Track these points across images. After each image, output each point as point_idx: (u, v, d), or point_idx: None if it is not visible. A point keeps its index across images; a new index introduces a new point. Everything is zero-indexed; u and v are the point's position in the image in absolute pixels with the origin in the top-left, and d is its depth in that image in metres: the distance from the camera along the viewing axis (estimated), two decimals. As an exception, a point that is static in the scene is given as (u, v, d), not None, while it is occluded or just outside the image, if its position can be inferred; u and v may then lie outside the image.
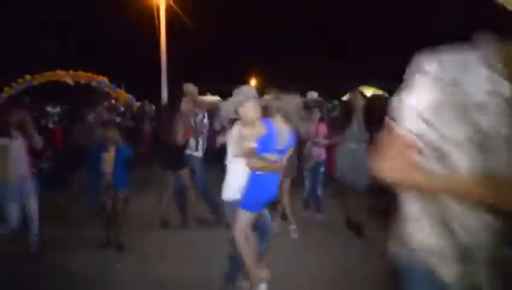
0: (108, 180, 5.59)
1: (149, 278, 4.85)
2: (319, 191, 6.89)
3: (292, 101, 4.15)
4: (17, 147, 5.16)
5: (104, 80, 21.95)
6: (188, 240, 6.02)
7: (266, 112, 4.16)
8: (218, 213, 6.33)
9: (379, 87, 17.64)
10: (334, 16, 33.84)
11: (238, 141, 3.99)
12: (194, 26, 20.98)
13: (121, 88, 22.80)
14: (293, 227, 6.26)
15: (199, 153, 6.58)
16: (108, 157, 5.60)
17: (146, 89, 21.43)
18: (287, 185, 6.31)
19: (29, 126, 5.26)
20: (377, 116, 6.49)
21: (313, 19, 35.78)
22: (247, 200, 4.04)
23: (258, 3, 32.73)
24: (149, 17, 19.86)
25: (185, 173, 6.46)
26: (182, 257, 5.41)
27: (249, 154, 3.93)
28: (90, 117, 7.77)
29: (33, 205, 5.29)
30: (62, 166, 8.33)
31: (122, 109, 12.94)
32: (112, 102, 16.08)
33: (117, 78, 23.09)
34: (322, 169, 6.79)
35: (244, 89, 4.16)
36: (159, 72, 20.05)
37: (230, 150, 4.13)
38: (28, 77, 19.50)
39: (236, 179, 4.08)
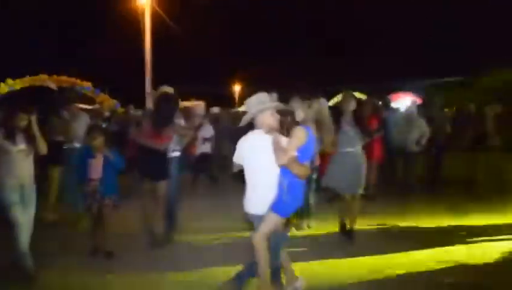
0: (94, 186, 5.47)
1: (138, 286, 4.77)
2: (311, 200, 6.54)
3: (323, 108, 4.10)
4: (21, 152, 4.85)
5: (89, 85, 21.69)
6: (176, 247, 5.95)
7: (287, 120, 4.09)
8: (171, 232, 6.17)
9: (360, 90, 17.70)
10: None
11: (275, 150, 3.88)
12: (180, 30, 20.90)
13: (105, 93, 22.53)
14: None
15: (174, 154, 6.24)
16: (95, 164, 5.48)
17: (130, 94, 21.25)
18: None
19: (35, 130, 4.95)
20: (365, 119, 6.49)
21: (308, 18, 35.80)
22: (283, 206, 3.97)
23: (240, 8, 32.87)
24: (134, 22, 19.74)
25: (164, 183, 6.00)
26: (171, 264, 5.33)
27: (292, 163, 3.86)
28: (65, 114, 7.59)
29: (31, 217, 4.96)
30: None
31: (107, 114, 12.76)
32: (96, 106, 15.85)
33: (101, 83, 22.83)
34: (315, 176, 6.43)
35: (260, 97, 4.09)
36: (144, 77, 19.89)
37: (252, 163, 4.03)
38: (9, 81, 19.14)
39: (264, 193, 3.98)
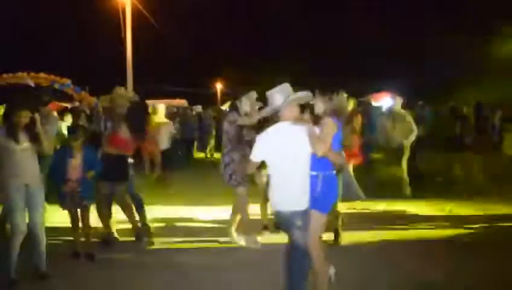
0: (73, 187, 5.34)
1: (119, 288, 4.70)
2: None
3: (343, 101, 4.06)
4: (24, 151, 4.57)
5: (68, 82, 21.32)
6: (159, 249, 5.87)
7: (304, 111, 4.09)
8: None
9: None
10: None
11: (313, 141, 3.78)
12: (161, 27, 20.72)
13: (85, 91, 22.22)
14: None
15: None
16: (74, 165, 5.35)
17: (111, 92, 20.98)
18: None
19: (38, 129, 4.66)
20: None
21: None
22: (323, 202, 3.92)
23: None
24: (114, 19, 19.51)
25: (123, 186, 6.02)
26: (152, 265, 5.25)
27: (330, 152, 3.84)
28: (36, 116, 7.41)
29: (38, 220, 4.71)
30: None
31: (87, 112, 12.54)
32: (76, 104, 15.60)
33: (81, 80, 22.50)
34: None
35: (285, 88, 4.02)
36: (125, 74, 19.68)
37: (283, 157, 3.87)
38: (-14, 78, 18.74)
39: (298, 187, 3.86)
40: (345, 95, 4.22)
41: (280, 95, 3.96)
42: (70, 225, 5.47)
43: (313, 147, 3.80)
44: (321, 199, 3.92)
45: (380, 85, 18.72)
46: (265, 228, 6.26)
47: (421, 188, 8.90)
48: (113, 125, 5.90)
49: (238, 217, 5.83)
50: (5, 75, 20.12)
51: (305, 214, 3.86)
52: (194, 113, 17.17)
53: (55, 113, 8.62)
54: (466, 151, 9.32)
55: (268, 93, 4.04)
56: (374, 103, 14.26)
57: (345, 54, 33.41)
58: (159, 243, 6.03)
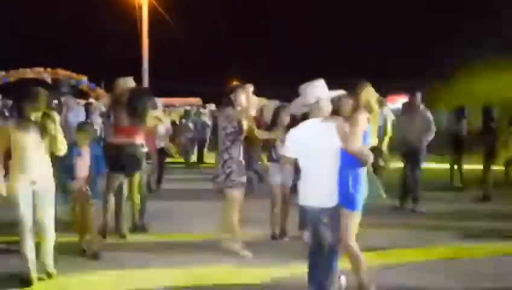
0: (80, 185, 5.26)
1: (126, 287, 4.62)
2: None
3: (371, 96, 3.96)
4: (34, 147, 4.38)
5: (84, 78, 21.55)
6: (163, 246, 5.77)
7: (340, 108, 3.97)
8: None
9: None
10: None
11: (343, 137, 3.71)
12: (177, 25, 20.74)
13: (100, 87, 22.39)
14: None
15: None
16: (82, 162, 5.28)
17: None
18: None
19: (51, 128, 4.41)
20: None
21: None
22: (353, 199, 3.79)
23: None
24: (131, 16, 19.59)
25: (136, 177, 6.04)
26: (158, 264, 5.13)
27: (362, 149, 3.71)
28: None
29: (46, 219, 4.55)
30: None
31: (104, 108, 12.61)
32: (90, 101, 15.70)
33: (97, 77, 22.68)
34: None
35: (317, 84, 3.96)
36: (140, 71, 19.75)
37: (314, 152, 3.80)
38: (2, 73, 18.98)
39: (327, 183, 3.78)
40: (372, 90, 4.05)
41: (314, 91, 3.92)
42: (75, 223, 5.41)
43: (343, 142, 3.72)
44: (351, 196, 3.81)
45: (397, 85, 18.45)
46: (274, 237, 5.92)
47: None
48: (114, 115, 5.85)
49: (235, 223, 5.41)
50: (21, 70, 20.46)
51: (333, 211, 3.79)
52: (207, 111, 17.14)
53: (80, 104, 8.65)
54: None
55: (302, 87, 3.98)
56: (390, 105, 14.01)
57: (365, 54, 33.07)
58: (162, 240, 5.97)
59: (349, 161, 3.78)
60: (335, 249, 3.85)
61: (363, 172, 3.89)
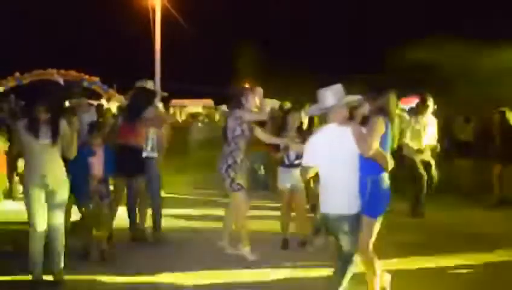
0: (94, 186, 5.23)
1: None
2: None
3: (391, 101, 3.86)
4: (44, 148, 4.32)
5: (96, 80, 21.61)
6: (163, 251, 5.67)
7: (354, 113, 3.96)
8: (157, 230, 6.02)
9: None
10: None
11: (359, 142, 3.66)
12: (189, 27, 20.75)
13: (113, 89, 22.44)
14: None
15: (154, 154, 5.97)
16: (96, 161, 5.25)
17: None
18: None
19: (65, 130, 4.41)
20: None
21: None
22: (374, 206, 3.76)
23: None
24: (143, 17, 19.61)
25: (142, 180, 5.90)
26: (159, 268, 5.07)
27: (379, 154, 3.67)
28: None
29: (57, 221, 4.51)
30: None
31: (114, 110, 12.62)
32: (101, 102, 15.73)
33: (110, 78, 22.75)
34: None
35: (336, 89, 3.89)
36: (153, 73, 19.75)
37: (333, 159, 3.74)
38: (17, 74, 19.09)
39: (348, 191, 3.75)
40: (392, 95, 3.92)
41: (332, 95, 3.84)
42: (86, 224, 5.35)
43: (359, 147, 3.66)
44: (371, 202, 3.75)
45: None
46: (285, 245, 5.71)
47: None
48: (122, 116, 5.87)
49: (241, 225, 5.34)
50: (35, 72, 20.58)
51: (354, 218, 3.73)
52: (219, 113, 17.02)
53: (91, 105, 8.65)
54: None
55: (320, 92, 3.91)
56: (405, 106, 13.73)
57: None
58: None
59: (368, 166, 3.70)
60: (351, 256, 3.79)
61: (384, 178, 3.78)
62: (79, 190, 5.22)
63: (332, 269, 3.92)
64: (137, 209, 5.97)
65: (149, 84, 6.04)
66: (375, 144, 3.64)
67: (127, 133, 5.72)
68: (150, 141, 5.84)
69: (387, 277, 4.10)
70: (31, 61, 21.36)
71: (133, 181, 5.88)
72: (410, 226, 6.80)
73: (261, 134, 5.47)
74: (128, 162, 5.65)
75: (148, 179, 5.95)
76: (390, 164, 3.75)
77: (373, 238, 3.81)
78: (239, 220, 5.34)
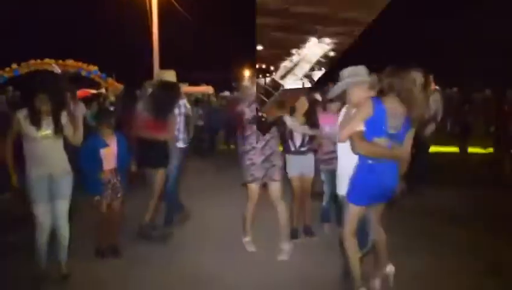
0: (108, 178, 5.00)
1: (138, 284, 4.48)
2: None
3: (408, 79, 3.51)
4: (46, 138, 4.19)
5: (95, 68, 21.42)
6: (177, 244, 5.54)
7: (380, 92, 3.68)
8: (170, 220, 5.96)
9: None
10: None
11: (343, 124, 3.63)
12: (188, 13, 20.50)
13: (112, 78, 22.25)
14: (286, 247, 5.07)
15: (180, 144, 5.99)
16: (108, 153, 4.98)
17: (137, 79, 20.91)
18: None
19: (68, 116, 4.30)
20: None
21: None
22: (353, 192, 3.65)
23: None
24: (140, 5, 19.34)
25: (162, 171, 5.70)
26: (169, 261, 5.02)
27: (356, 138, 3.50)
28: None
29: (61, 212, 4.40)
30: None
31: (112, 98, 12.46)
32: (102, 91, 15.57)
33: (108, 67, 22.54)
34: None
35: (356, 69, 3.78)
36: (151, 61, 19.54)
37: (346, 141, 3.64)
38: (14, 65, 18.89)
39: (347, 173, 3.72)
40: (416, 73, 3.48)
41: (350, 74, 3.74)
42: (96, 218, 5.16)
43: (338, 132, 3.66)
44: (353, 189, 3.65)
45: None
46: (294, 235, 5.47)
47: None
48: (145, 109, 5.60)
49: (247, 217, 5.24)
50: (32, 62, 20.36)
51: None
52: (221, 100, 16.86)
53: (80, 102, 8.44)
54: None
55: (341, 72, 3.81)
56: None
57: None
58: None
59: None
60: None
61: (375, 164, 3.54)
62: (89, 182, 4.99)
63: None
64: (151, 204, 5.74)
65: (171, 75, 5.87)
66: (348, 130, 3.50)
67: (156, 128, 5.49)
68: (181, 134, 5.98)
69: (391, 267, 3.99)
70: (28, 51, 21.11)
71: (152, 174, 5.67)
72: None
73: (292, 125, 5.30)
74: (156, 156, 5.57)
75: (175, 170, 5.91)
76: (378, 152, 3.50)
77: (351, 226, 3.67)
78: (246, 210, 5.19)
